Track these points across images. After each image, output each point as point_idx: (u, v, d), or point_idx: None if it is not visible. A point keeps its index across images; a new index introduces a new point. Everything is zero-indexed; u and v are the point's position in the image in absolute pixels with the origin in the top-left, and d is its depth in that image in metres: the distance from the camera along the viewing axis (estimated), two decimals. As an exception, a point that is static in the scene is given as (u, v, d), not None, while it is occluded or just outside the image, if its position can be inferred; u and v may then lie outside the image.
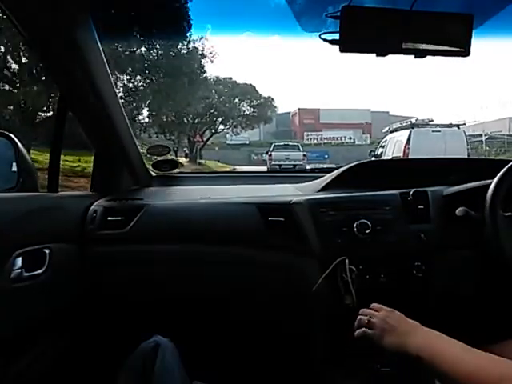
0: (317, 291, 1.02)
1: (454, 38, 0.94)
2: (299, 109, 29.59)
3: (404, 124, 8.77)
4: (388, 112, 28.68)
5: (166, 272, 1.22)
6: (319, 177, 1.40)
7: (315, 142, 26.51)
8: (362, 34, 0.91)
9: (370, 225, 1.05)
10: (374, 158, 7.88)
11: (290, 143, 15.95)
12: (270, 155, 13.48)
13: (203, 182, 1.58)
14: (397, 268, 1.07)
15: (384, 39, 0.93)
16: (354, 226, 1.06)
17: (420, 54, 0.94)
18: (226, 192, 1.38)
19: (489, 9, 1.11)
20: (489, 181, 0.94)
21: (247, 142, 26.75)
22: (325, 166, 11.03)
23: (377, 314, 0.78)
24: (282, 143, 15.63)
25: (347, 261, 1.01)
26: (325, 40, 0.91)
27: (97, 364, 1.22)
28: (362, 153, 12.30)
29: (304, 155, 13.69)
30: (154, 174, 1.58)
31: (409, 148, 7.53)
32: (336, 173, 1.34)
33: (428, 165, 1.41)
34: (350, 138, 26.48)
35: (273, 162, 13.16)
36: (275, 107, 22.94)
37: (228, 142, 26.43)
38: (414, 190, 1.12)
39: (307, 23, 1.16)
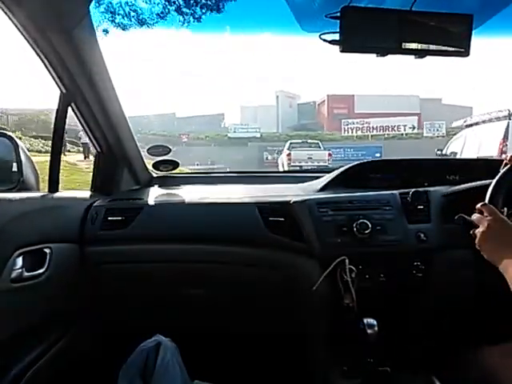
0: (317, 291, 1.03)
1: (453, 38, 0.94)
2: (328, 96, 23.85)
3: (492, 115, 7.03)
4: (440, 99, 23.87)
5: (166, 272, 1.22)
6: (319, 177, 1.41)
7: (359, 133, 19.83)
8: (362, 34, 0.91)
9: (370, 225, 1.05)
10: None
11: (309, 140, 14.23)
12: (289, 155, 11.62)
13: (203, 182, 1.58)
14: (396, 268, 1.07)
15: (384, 39, 0.93)
16: (354, 225, 1.06)
17: (420, 54, 0.95)
18: (226, 192, 1.39)
19: (489, 9, 1.11)
20: (488, 181, 0.94)
21: (258, 136, 20.40)
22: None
23: (483, 220, 0.80)
24: (299, 140, 13.82)
25: (347, 260, 1.02)
26: (325, 40, 0.91)
27: (97, 363, 1.23)
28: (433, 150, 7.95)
29: (329, 154, 11.97)
30: (154, 175, 1.58)
31: (506, 145, 5.75)
32: (336, 173, 1.34)
33: (428, 165, 1.41)
34: (413, 128, 18.81)
35: (292, 163, 11.17)
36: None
37: (230, 134, 20.75)
38: (413, 190, 1.12)
39: (307, 23, 1.16)
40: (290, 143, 12.87)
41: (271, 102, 27.35)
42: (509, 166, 0.91)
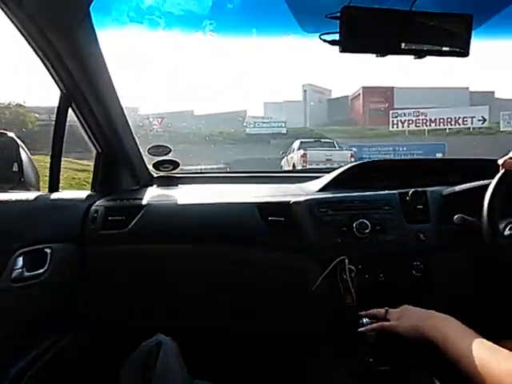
0: (316, 291, 1.03)
1: (453, 38, 0.94)
2: (363, 88, 20.62)
3: None
4: (493, 93, 20.14)
5: (166, 272, 1.23)
6: (319, 177, 1.41)
7: (411, 127, 16.11)
8: (362, 34, 0.91)
9: (370, 225, 1.06)
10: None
11: (322, 139, 12.61)
12: (304, 155, 10.28)
13: (203, 182, 1.58)
14: (396, 268, 1.07)
15: (384, 39, 0.93)
16: (354, 225, 1.06)
17: (420, 54, 0.95)
18: (226, 192, 1.39)
19: (489, 9, 1.11)
20: (487, 181, 0.94)
21: (284, 131, 17.08)
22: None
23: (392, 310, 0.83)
24: (311, 139, 12.12)
25: (347, 260, 1.02)
26: (324, 40, 0.91)
27: (98, 363, 1.23)
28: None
29: (352, 155, 10.56)
30: (154, 174, 1.58)
31: None
32: (336, 173, 1.34)
33: (427, 165, 1.41)
34: (483, 120, 14.79)
35: (308, 165, 9.76)
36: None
37: (249, 130, 17.69)
38: (413, 190, 1.13)
39: (307, 23, 1.16)
40: (301, 142, 11.40)
41: (298, 97, 24.45)
42: (503, 171, 0.91)
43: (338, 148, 11.39)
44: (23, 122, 10.09)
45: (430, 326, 0.71)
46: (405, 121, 16.38)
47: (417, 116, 16.19)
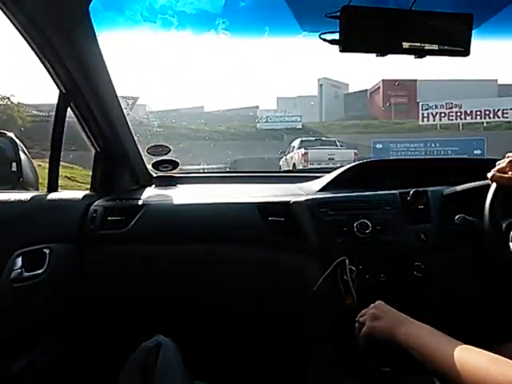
0: (317, 291, 1.02)
1: (453, 38, 0.95)
2: (383, 81, 18.85)
3: None
4: None
5: (166, 272, 1.22)
6: (319, 177, 1.41)
7: (444, 120, 14.47)
8: (362, 33, 0.91)
9: (370, 225, 1.05)
10: None
11: (323, 138, 11.95)
12: (305, 154, 9.86)
13: (203, 182, 1.58)
14: (397, 268, 1.07)
15: (384, 39, 0.93)
16: (354, 225, 1.06)
17: (420, 53, 0.95)
18: (226, 192, 1.38)
19: (489, 9, 1.11)
20: (489, 181, 0.94)
21: (299, 126, 15.75)
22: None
23: (366, 311, 0.81)
24: (312, 138, 11.44)
25: (347, 261, 1.01)
26: (325, 40, 0.91)
27: (98, 364, 1.22)
28: None
29: (355, 154, 10.11)
30: (154, 174, 1.58)
31: None
32: (336, 173, 1.34)
33: (428, 165, 1.41)
34: None
35: (310, 165, 9.39)
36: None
37: (260, 125, 16.36)
38: (413, 189, 1.12)
39: (307, 23, 1.16)
40: (301, 141, 10.80)
41: (313, 91, 23.10)
42: (494, 186, 0.89)
43: (338, 146, 10.91)
44: (11, 117, 9.55)
45: (404, 333, 0.69)
46: (436, 114, 14.74)
47: (450, 108, 14.58)
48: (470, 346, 0.60)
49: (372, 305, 0.82)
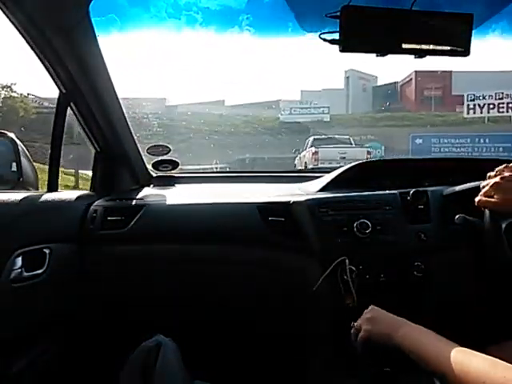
0: (317, 291, 1.02)
1: (454, 38, 0.94)
2: (416, 72, 17.73)
3: None
4: None
5: (166, 272, 1.22)
6: (319, 177, 1.41)
7: (493, 112, 12.77)
8: (362, 33, 0.91)
9: (370, 225, 1.05)
10: None
11: (337, 136, 11.30)
12: (316, 153, 9.53)
13: (203, 182, 1.58)
14: (397, 268, 1.07)
15: (384, 39, 0.93)
16: (354, 225, 1.06)
17: (420, 53, 0.95)
18: (225, 192, 1.38)
19: (488, 9, 1.11)
20: (489, 181, 0.94)
21: (327, 119, 14.42)
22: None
23: (361, 317, 0.81)
24: (324, 136, 10.99)
25: (347, 261, 1.01)
26: (324, 40, 0.91)
27: (97, 364, 1.22)
28: None
29: (368, 152, 9.84)
30: (153, 174, 1.58)
31: None
32: (336, 173, 1.34)
33: (428, 165, 1.41)
34: None
35: (320, 164, 9.07)
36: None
37: (283, 118, 15.01)
38: (413, 189, 1.12)
39: (307, 23, 1.16)
40: (314, 139, 10.39)
41: (339, 84, 21.87)
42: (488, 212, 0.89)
43: (352, 145, 10.41)
44: (12, 107, 8.77)
45: (401, 336, 0.69)
46: (484, 105, 13.09)
47: (500, 99, 13.01)
48: (469, 350, 0.60)
49: (366, 310, 0.82)
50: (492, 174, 0.85)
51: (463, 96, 13.99)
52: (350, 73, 20.94)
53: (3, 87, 9.29)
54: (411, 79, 18.23)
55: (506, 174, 0.81)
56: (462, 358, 0.58)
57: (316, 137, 10.85)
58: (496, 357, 0.57)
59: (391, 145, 12.63)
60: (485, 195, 0.84)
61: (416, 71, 17.57)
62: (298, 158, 11.26)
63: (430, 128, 13.18)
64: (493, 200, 0.82)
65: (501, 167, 0.84)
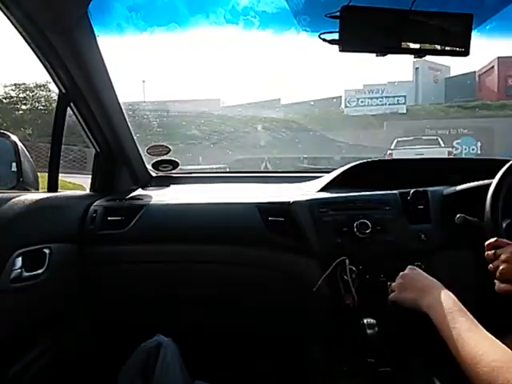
0: (317, 291, 1.02)
1: (453, 38, 0.94)
2: (499, 59, 15.28)
3: None
4: None
5: (166, 272, 1.22)
6: (319, 177, 1.41)
7: None
8: (362, 33, 0.91)
9: (370, 225, 1.05)
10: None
11: (424, 137, 10.05)
12: (390, 155, 8.76)
13: (203, 182, 1.58)
14: (397, 268, 1.07)
15: (383, 39, 0.93)
16: (354, 225, 1.06)
17: (420, 53, 0.95)
18: (225, 192, 1.38)
19: (488, 9, 1.11)
20: (488, 181, 0.94)
21: (403, 111, 12.52)
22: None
23: (503, 256, 0.76)
24: (411, 138, 9.70)
25: (347, 261, 1.01)
26: (324, 40, 0.91)
27: (98, 363, 1.22)
28: None
29: (449, 153, 9.07)
30: (153, 174, 1.58)
31: None
32: (336, 173, 1.34)
33: (428, 165, 1.41)
34: None
35: None
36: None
37: (349, 110, 13.27)
38: (413, 189, 1.12)
39: (307, 23, 1.16)
40: (398, 141, 9.47)
41: (406, 76, 19.66)
42: (508, 166, 0.90)
43: (442, 145, 9.39)
44: (49, 109, 8.05)
45: (426, 306, 0.70)
46: None
47: None
48: (490, 336, 0.59)
49: (402, 273, 0.83)
50: (490, 253, 0.80)
51: None
52: (420, 63, 18.10)
53: (38, 86, 8.95)
54: (492, 67, 15.86)
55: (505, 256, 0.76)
56: (482, 346, 0.57)
57: (399, 138, 9.70)
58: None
59: (490, 139, 10.79)
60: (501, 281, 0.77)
61: (499, 57, 15.29)
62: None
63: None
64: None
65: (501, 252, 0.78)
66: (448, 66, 17.80)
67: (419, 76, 18.39)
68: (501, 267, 0.75)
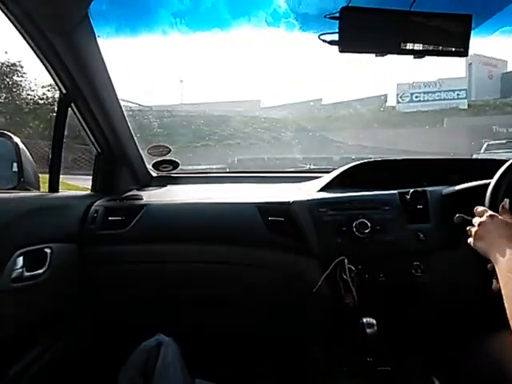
0: (317, 291, 1.03)
1: (453, 38, 0.95)
2: None
3: None
4: None
5: (166, 272, 1.23)
6: (319, 177, 1.41)
7: None
8: (361, 34, 0.92)
9: (370, 224, 1.06)
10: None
11: None
12: None
13: (203, 182, 1.58)
14: (396, 267, 1.07)
15: (383, 39, 0.94)
16: (354, 225, 1.06)
17: (419, 54, 0.95)
18: (226, 192, 1.39)
19: (487, 9, 1.12)
20: (487, 181, 0.94)
21: (464, 106, 11.43)
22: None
23: (478, 221, 0.82)
24: (503, 141, 8.65)
25: (346, 260, 1.02)
26: (324, 41, 0.91)
27: (98, 363, 1.23)
28: None
29: None
30: (154, 174, 1.58)
31: None
32: (336, 173, 1.34)
33: (427, 165, 1.41)
34: None
35: None
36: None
37: (401, 107, 12.22)
38: (412, 189, 1.13)
39: (307, 24, 1.17)
40: (488, 145, 8.40)
41: (458, 72, 17.23)
42: (507, 165, 0.90)
43: None
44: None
45: (494, 259, 0.72)
46: None
47: None
48: None
49: (480, 220, 0.81)
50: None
51: None
52: (474, 58, 16.45)
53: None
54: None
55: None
56: None
57: (490, 142, 8.56)
58: (496, 355, 0.57)
59: None
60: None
61: None
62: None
63: None
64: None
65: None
66: (505, 61, 16.01)
67: (472, 71, 16.60)
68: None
